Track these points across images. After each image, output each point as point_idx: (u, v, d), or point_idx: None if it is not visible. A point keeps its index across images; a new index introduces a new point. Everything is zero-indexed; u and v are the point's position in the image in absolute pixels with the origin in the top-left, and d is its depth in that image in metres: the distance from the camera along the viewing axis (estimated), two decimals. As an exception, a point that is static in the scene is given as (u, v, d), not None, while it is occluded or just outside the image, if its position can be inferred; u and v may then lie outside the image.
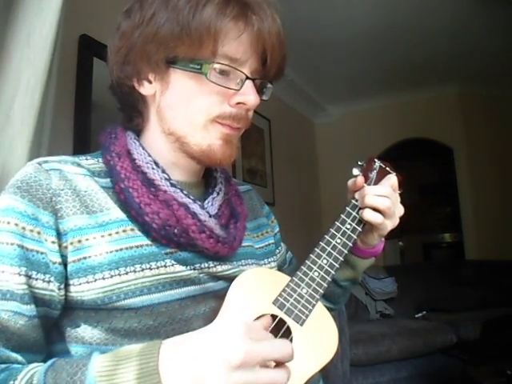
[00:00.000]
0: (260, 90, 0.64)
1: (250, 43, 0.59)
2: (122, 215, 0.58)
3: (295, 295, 0.61)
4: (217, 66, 0.58)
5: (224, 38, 0.57)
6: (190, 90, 0.59)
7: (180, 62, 0.58)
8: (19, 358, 0.52)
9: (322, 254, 0.65)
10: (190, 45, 0.56)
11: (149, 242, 0.57)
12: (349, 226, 0.68)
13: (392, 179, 0.71)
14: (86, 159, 0.63)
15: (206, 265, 0.61)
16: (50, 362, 0.50)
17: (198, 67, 0.57)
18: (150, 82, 0.61)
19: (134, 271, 0.55)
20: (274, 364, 0.47)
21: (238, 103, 0.60)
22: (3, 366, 0.50)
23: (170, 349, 0.47)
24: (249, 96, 0.60)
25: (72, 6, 1.05)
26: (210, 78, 0.57)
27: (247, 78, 0.60)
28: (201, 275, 0.60)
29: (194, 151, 0.62)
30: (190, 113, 0.60)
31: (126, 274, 0.54)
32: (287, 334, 0.59)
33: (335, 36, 3.05)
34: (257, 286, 0.63)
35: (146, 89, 0.62)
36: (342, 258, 0.66)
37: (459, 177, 4.01)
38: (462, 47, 3.26)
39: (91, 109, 1.68)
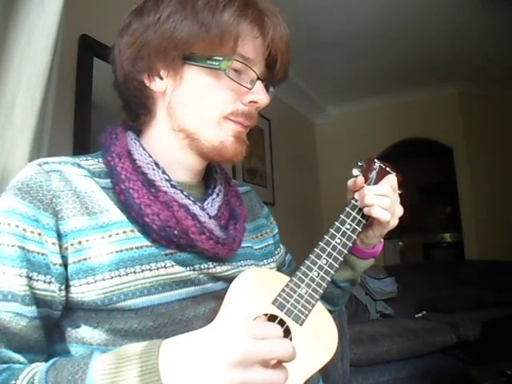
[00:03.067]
0: None
1: (264, 47, 0.62)
2: (122, 216, 0.58)
3: (295, 295, 0.62)
4: (234, 63, 0.60)
5: (243, 39, 0.59)
6: (205, 86, 0.61)
7: (197, 58, 0.59)
8: (21, 358, 0.52)
9: (321, 254, 0.65)
10: (210, 42, 0.57)
11: (149, 243, 0.57)
12: (348, 227, 0.68)
13: (392, 179, 0.71)
14: (87, 160, 0.63)
15: (206, 265, 0.61)
16: (51, 362, 0.50)
17: (217, 64, 0.59)
18: (162, 78, 0.62)
19: (134, 272, 0.55)
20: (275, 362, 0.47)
21: (250, 102, 0.62)
22: (5, 365, 0.50)
23: (169, 347, 0.47)
24: (261, 95, 0.63)
25: (72, 6, 1.06)
26: (228, 74, 0.59)
27: (258, 78, 0.62)
28: (200, 276, 0.60)
29: (204, 147, 0.63)
30: (204, 109, 0.61)
31: (126, 275, 0.55)
32: (287, 333, 0.59)
33: (335, 36, 3.05)
34: (256, 286, 0.63)
35: (157, 84, 0.62)
36: (341, 258, 0.66)
37: (459, 177, 4.01)
38: (462, 47, 3.26)
39: (91, 109, 1.68)
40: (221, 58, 0.59)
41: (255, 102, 0.63)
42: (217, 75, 0.60)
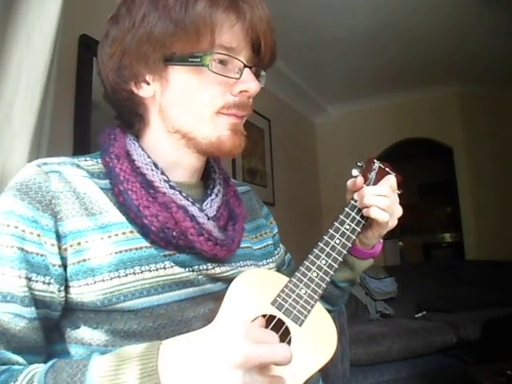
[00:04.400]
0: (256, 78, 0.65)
1: (244, 32, 0.60)
2: (121, 217, 0.58)
3: (294, 296, 0.62)
4: (216, 56, 0.58)
5: (220, 29, 0.57)
6: (191, 84, 0.60)
7: (178, 58, 0.58)
8: (20, 359, 0.52)
9: (320, 254, 0.65)
10: (187, 39, 0.56)
11: (148, 244, 0.57)
12: (348, 227, 0.68)
13: (391, 180, 0.71)
14: (86, 160, 0.63)
15: (205, 266, 0.61)
16: (50, 363, 0.50)
17: (198, 60, 0.58)
18: (148, 84, 0.61)
19: (134, 273, 0.55)
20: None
21: (241, 91, 0.61)
22: (4, 367, 0.50)
23: (169, 349, 0.47)
24: (250, 83, 0.61)
25: (72, 6, 1.05)
26: (212, 69, 0.58)
27: (245, 66, 0.61)
28: (199, 277, 0.60)
29: (202, 144, 0.62)
30: (195, 107, 0.60)
31: (126, 276, 0.55)
32: (286, 334, 0.59)
33: (335, 36, 3.04)
34: (255, 287, 0.63)
35: (144, 91, 0.62)
36: (340, 259, 0.66)
37: (459, 177, 4.01)
38: (463, 47, 3.26)
39: (91, 109, 1.68)
40: (202, 54, 0.58)
41: (246, 91, 0.62)
42: (201, 71, 0.59)
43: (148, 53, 0.58)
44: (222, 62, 0.59)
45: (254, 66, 0.64)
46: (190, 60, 0.58)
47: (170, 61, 0.59)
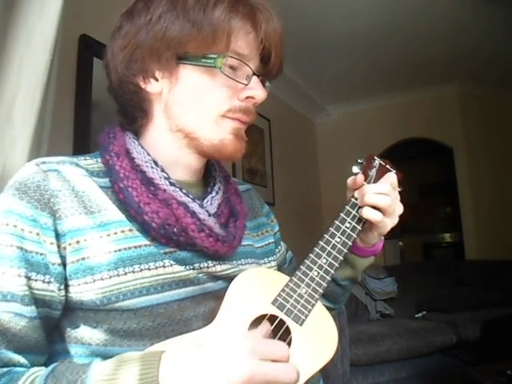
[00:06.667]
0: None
1: (257, 42, 0.62)
2: (120, 215, 0.57)
3: (295, 295, 0.61)
4: (229, 60, 0.59)
5: (236, 35, 0.59)
6: (201, 84, 0.61)
7: (191, 57, 0.59)
8: (21, 359, 0.52)
9: (321, 253, 0.65)
10: (203, 40, 0.57)
11: (147, 242, 0.57)
12: (348, 225, 0.68)
13: (392, 177, 0.71)
14: (85, 159, 0.63)
15: (206, 264, 0.61)
16: (51, 368, 0.49)
17: (211, 62, 0.59)
18: (157, 80, 0.61)
19: (133, 272, 0.55)
20: None
21: (247, 97, 0.62)
22: (5, 369, 0.50)
23: (171, 359, 0.46)
24: (257, 90, 0.62)
25: (72, 6, 1.06)
26: (223, 71, 0.59)
27: (254, 73, 0.62)
28: (200, 275, 0.60)
29: (204, 146, 0.62)
30: (201, 108, 0.61)
31: (125, 274, 0.54)
32: (286, 333, 0.59)
33: (335, 36, 3.05)
34: (256, 286, 0.62)
35: (152, 86, 0.62)
36: (341, 257, 0.66)
37: (459, 177, 4.01)
38: (463, 47, 3.26)
39: (91, 109, 1.68)
40: (215, 56, 0.58)
41: (252, 98, 0.63)
42: (212, 73, 0.60)
43: (161, 49, 0.58)
44: (232, 67, 0.61)
45: (260, 75, 0.65)
46: (203, 61, 0.59)
47: (183, 59, 0.59)
